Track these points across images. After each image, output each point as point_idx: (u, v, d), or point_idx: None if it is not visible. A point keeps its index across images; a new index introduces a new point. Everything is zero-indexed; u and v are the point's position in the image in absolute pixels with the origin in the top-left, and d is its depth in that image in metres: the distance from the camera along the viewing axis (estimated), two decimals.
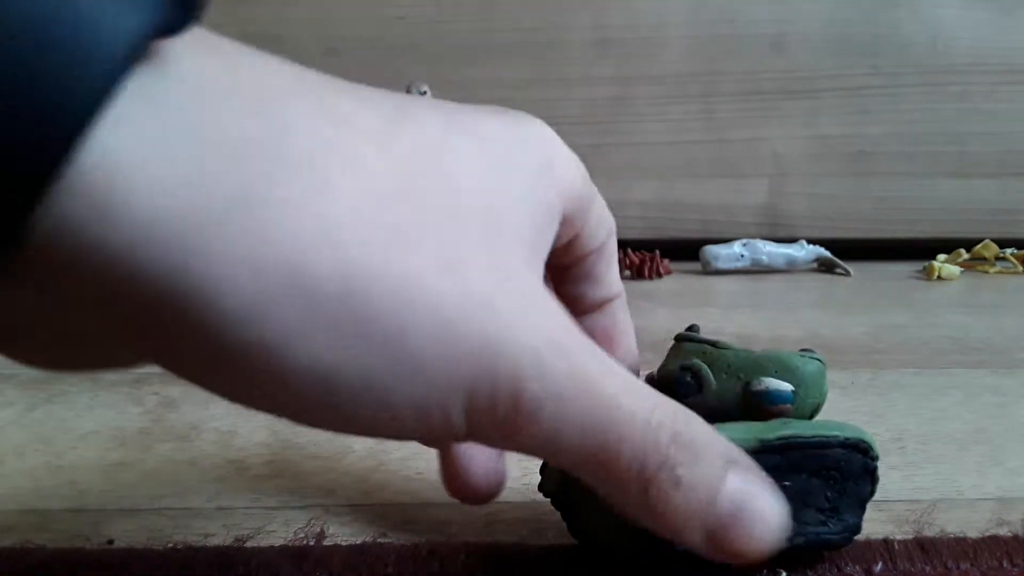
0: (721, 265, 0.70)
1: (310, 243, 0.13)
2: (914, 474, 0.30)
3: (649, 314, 0.52)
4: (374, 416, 0.15)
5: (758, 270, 0.71)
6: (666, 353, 0.24)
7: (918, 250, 0.76)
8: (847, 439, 0.21)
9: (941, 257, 0.72)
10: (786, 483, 0.21)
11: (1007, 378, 0.41)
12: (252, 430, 0.34)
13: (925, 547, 0.24)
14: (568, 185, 0.19)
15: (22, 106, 0.11)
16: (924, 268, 0.70)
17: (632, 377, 0.17)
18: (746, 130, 0.76)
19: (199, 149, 0.13)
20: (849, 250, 0.73)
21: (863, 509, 0.22)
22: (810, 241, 0.72)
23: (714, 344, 0.23)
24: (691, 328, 0.24)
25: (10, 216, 0.12)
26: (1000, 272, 0.72)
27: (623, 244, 0.69)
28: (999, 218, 0.77)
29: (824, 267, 0.73)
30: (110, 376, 0.41)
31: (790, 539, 0.20)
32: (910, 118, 0.75)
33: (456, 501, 0.27)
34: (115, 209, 0.12)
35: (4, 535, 0.25)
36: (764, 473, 0.18)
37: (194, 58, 0.13)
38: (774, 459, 0.20)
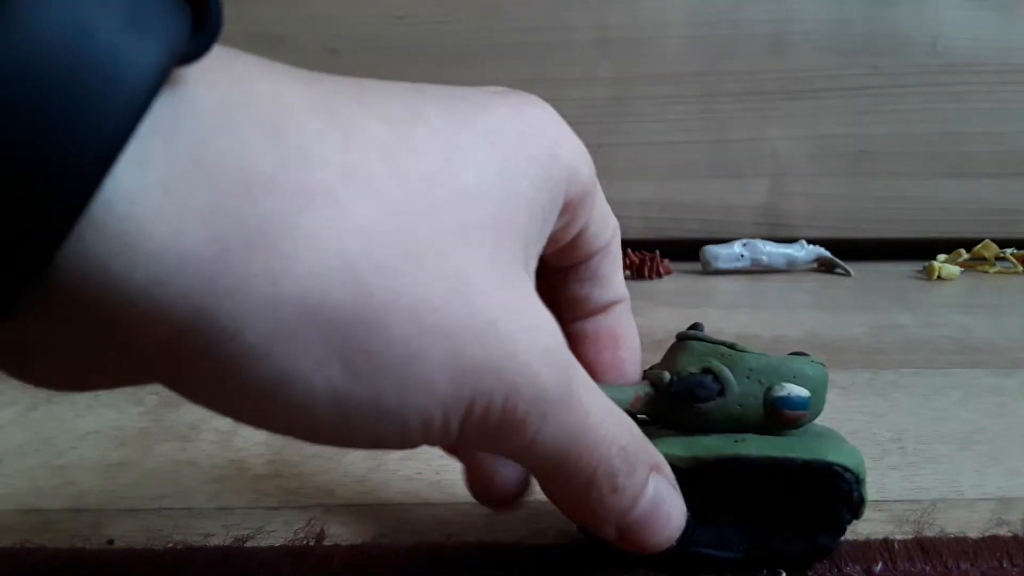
0: (721, 265, 0.70)
1: (327, 275, 0.14)
2: (914, 474, 0.30)
3: (649, 314, 0.52)
4: (380, 432, 0.16)
5: (758, 270, 0.71)
6: (667, 350, 0.24)
7: (918, 250, 0.76)
8: (807, 462, 0.21)
9: (941, 257, 0.72)
10: (725, 498, 0.22)
11: (1007, 378, 0.41)
12: (252, 430, 0.34)
13: (925, 547, 0.24)
14: (574, 173, 0.19)
15: (48, 144, 0.11)
16: (924, 268, 0.70)
17: (601, 394, 0.19)
18: (746, 130, 0.76)
19: (218, 185, 0.13)
20: (849, 250, 0.73)
21: (839, 531, 0.22)
22: (810, 241, 0.72)
23: (731, 346, 0.22)
24: (695, 326, 0.24)
25: (37, 251, 0.12)
26: (1000, 272, 0.72)
27: (623, 244, 0.69)
28: (999, 218, 0.77)
29: (824, 267, 0.73)
30: None
31: (746, 551, 0.22)
32: (910, 118, 0.75)
33: (456, 501, 0.27)
34: (137, 247, 0.12)
35: (4, 535, 0.25)
36: (673, 481, 0.21)
37: (209, 84, 0.13)
38: (712, 475, 0.21)
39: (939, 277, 0.68)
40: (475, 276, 0.16)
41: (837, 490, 0.21)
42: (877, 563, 0.23)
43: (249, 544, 0.24)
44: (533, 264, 0.18)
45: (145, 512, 0.27)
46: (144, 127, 0.12)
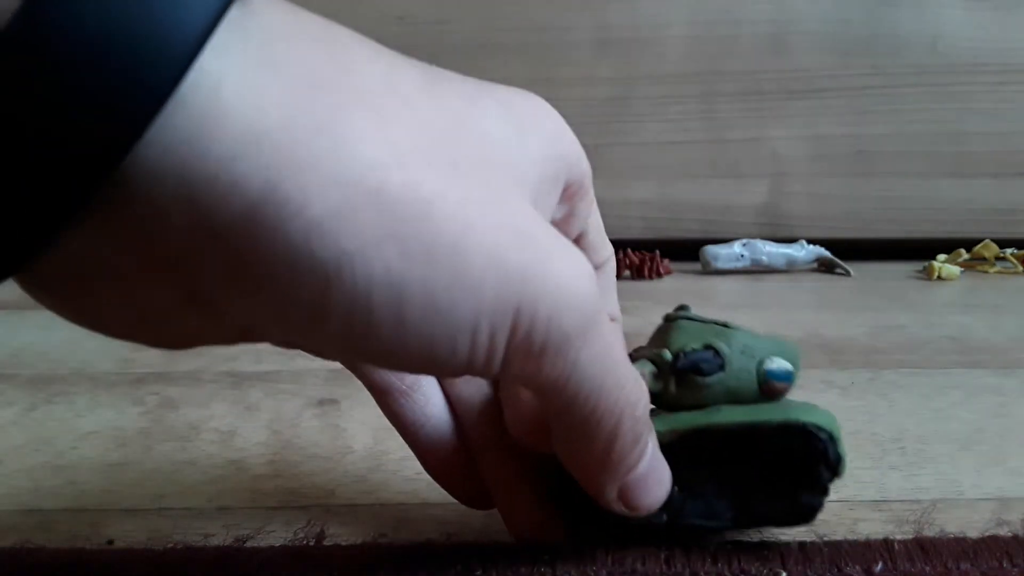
0: (721, 265, 0.70)
1: (383, 164, 0.15)
2: (914, 474, 0.30)
3: (649, 314, 0.52)
4: (433, 335, 0.16)
5: (758, 270, 0.71)
6: (655, 332, 0.25)
7: (918, 250, 0.76)
8: (781, 423, 0.22)
9: (941, 257, 0.72)
10: (706, 469, 0.23)
11: (1007, 378, 0.41)
12: (252, 430, 0.34)
13: (925, 547, 0.24)
14: (575, 160, 0.21)
15: (147, 26, 0.13)
16: (924, 268, 0.70)
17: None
18: (746, 130, 0.76)
19: (288, 79, 0.14)
20: (849, 250, 0.73)
21: (821, 489, 0.22)
22: (810, 241, 0.72)
23: (724, 324, 0.23)
24: (682, 307, 0.25)
25: (131, 127, 0.13)
26: (1000, 272, 0.72)
27: (623, 244, 0.69)
28: (999, 218, 0.77)
29: (824, 267, 0.73)
30: (110, 376, 0.41)
31: (733, 519, 0.23)
32: (910, 118, 0.75)
33: (456, 501, 0.27)
34: (220, 123, 0.14)
35: (4, 535, 0.25)
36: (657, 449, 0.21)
37: (271, 6, 0.15)
38: (691, 447, 0.22)
39: (939, 277, 0.68)
40: (508, 195, 0.17)
41: (813, 448, 0.22)
42: (877, 563, 0.23)
43: (249, 544, 0.24)
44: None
45: (145, 512, 0.27)
46: (223, 27, 0.14)
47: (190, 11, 0.13)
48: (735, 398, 0.23)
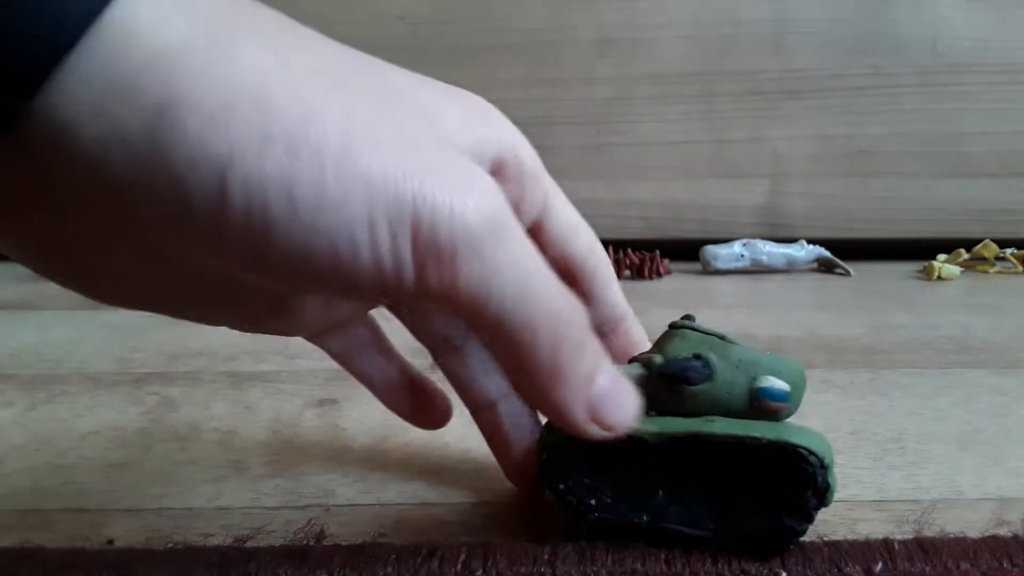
0: (721, 265, 0.70)
1: (265, 70, 0.16)
2: (914, 474, 0.30)
3: (649, 314, 0.52)
4: (330, 232, 0.16)
5: (758, 270, 0.71)
6: (659, 337, 0.25)
7: (918, 250, 0.76)
8: (771, 442, 0.22)
9: (941, 257, 0.72)
10: (694, 475, 0.23)
11: (1007, 378, 0.41)
12: (252, 430, 0.34)
13: (925, 547, 0.24)
14: (511, 140, 0.22)
15: None
16: (924, 268, 0.70)
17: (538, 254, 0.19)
18: (746, 130, 0.76)
19: (190, 15, 0.16)
20: (849, 250, 0.73)
21: (805, 516, 0.22)
22: (810, 241, 0.72)
23: (722, 337, 0.23)
24: (687, 317, 0.24)
25: (67, 40, 0.15)
26: (1000, 272, 0.72)
27: (623, 244, 0.69)
28: (999, 218, 0.77)
29: (824, 267, 0.73)
30: (110, 376, 0.41)
31: (714, 530, 0.23)
32: (910, 118, 0.75)
33: (456, 501, 0.27)
34: (129, 48, 0.16)
35: (4, 535, 0.25)
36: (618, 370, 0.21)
37: None
38: (681, 452, 0.23)
39: (939, 277, 0.68)
40: (406, 117, 0.18)
41: (801, 472, 0.22)
42: (877, 563, 0.23)
43: (249, 544, 0.24)
44: None
45: (145, 512, 0.27)
46: None
47: None
48: (725, 411, 0.23)
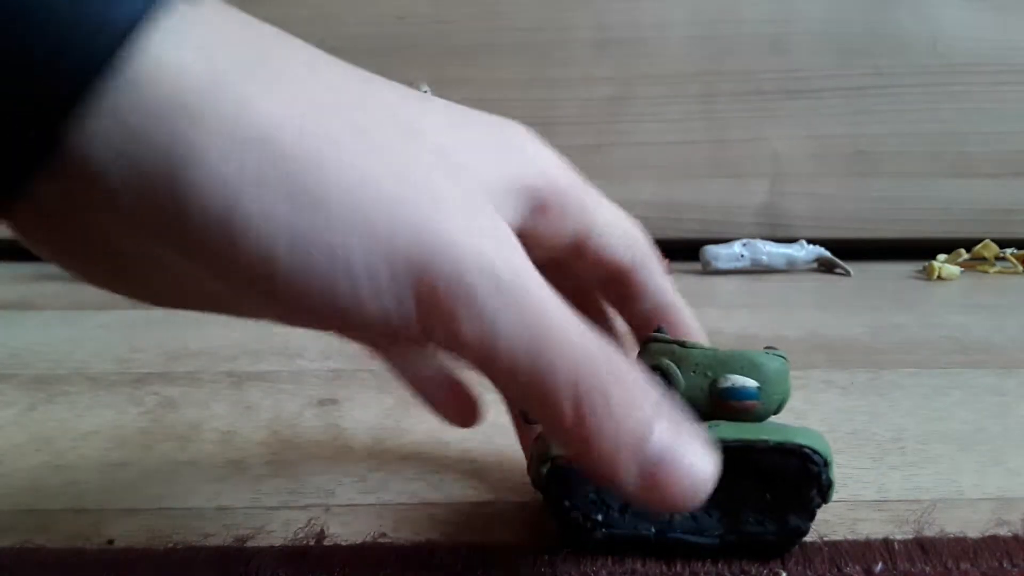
0: (721, 265, 0.70)
1: (274, 116, 0.17)
2: (914, 474, 0.30)
3: None
4: (333, 279, 0.17)
5: (758, 270, 0.71)
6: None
7: (918, 250, 0.76)
8: (779, 443, 0.22)
9: (941, 257, 0.72)
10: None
11: (1007, 378, 0.41)
12: (252, 430, 0.34)
13: (925, 547, 0.24)
14: (542, 166, 0.21)
15: (91, 12, 0.15)
16: (924, 268, 0.70)
17: (562, 301, 0.18)
18: (746, 130, 0.76)
19: (208, 60, 0.17)
20: (849, 250, 0.73)
21: (809, 514, 0.22)
22: (810, 241, 0.72)
23: (681, 344, 0.23)
24: (658, 330, 0.24)
25: (74, 87, 0.15)
26: (1000, 272, 0.72)
27: None
28: (999, 218, 0.77)
29: (824, 267, 0.73)
30: (110, 376, 0.41)
31: (721, 536, 0.23)
32: (910, 118, 0.75)
33: (456, 501, 0.27)
34: (149, 90, 0.16)
35: (4, 535, 0.25)
36: (694, 424, 0.19)
37: (208, 5, 0.17)
38: None
39: (939, 277, 0.68)
40: (417, 160, 0.18)
41: (807, 472, 0.22)
42: (877, 563, 0.23)
43: (249, 544, 0.24)
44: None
45: (145, 512, 0.27)
46: (166, 14, 0.16)
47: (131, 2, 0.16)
48: (697, 416, 0.22)
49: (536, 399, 0.18)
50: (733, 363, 0.23)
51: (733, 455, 0.22)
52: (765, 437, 0.22)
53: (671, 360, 0.23)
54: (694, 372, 0.23)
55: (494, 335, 0.17)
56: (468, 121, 0.20)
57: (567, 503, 0.23)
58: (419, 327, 0.17)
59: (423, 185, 0.17)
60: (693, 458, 0.18)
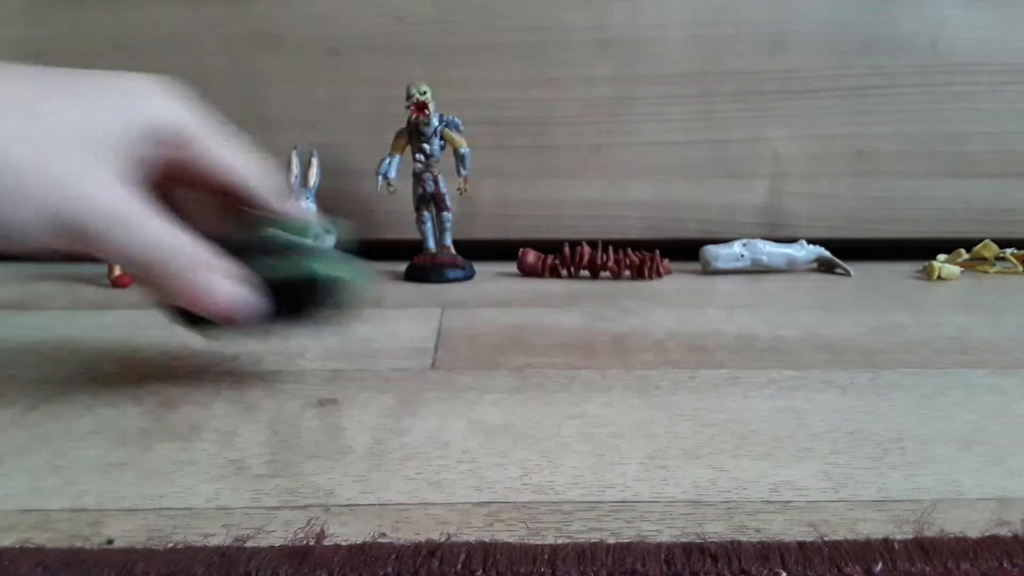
0: (721, 265, 0.70)
1: None
2: (914, 474, 0.30)
3: (649, 314, 0.52)
4: (8, 231, 0.28)
5: (758, 270, 0.71)
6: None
7: (918, 250, 0.76)
8: (300, 276, 0.36)
9: (941, 257, 0.72)
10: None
11: (1007, 378, 0.41)
12: (252, 430, 0.34)
13: (925, 547, 0.24)
14: (160, 113, 0.32)
15: None
16: (924, 268, 0.70)
17: (160, 220, 0.31)
18: (746, 130, 0.76)
19: None
20: (849, 250, 0.73)
21: (329, 308, 0.37)
22: (810, 241, 0.72)
23: (260, 216, 0.36)
24: (246, 208, 0.36)
25: None
26: (1000, 272, 0.72)
27: (623, 244, 0.69)
28: (999, 218, 0.77)
29: (824, 267, 0.73)
30: (110, 376, 0.41)
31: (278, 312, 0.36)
32: (910, 118, 0.75)
33: (456, 501, 0.27)
34: None
35: (4, 535, 0.25)
36: (239, 270, 0.34)
37: None
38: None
39: (939, 277, 0.68)
40: (56, 149, 0.28)
41: (316, 288, 0.36)
42: (877, 563, 0.23)
43: (249, 544, 0.24)
44: (128, 172, 0.30)
45: (145, 512, 0.27)
46: None
47: None
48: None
49: (154, 280, 0.32)
50: (286, 225, 0.36)
51: (279, 283, 0.35)
52: (291, 273, 0.35)
53: (251, 228, 0.35)
54: (262, 235, 0.35)
55: (121, 255, 0.30)
56: (93, 82, 0.30)
57: (181, 316, 0.37)
58: (77, 248, 0.29)
59: (64, 144, 0.28)
60: (227, 287, 0.33)
